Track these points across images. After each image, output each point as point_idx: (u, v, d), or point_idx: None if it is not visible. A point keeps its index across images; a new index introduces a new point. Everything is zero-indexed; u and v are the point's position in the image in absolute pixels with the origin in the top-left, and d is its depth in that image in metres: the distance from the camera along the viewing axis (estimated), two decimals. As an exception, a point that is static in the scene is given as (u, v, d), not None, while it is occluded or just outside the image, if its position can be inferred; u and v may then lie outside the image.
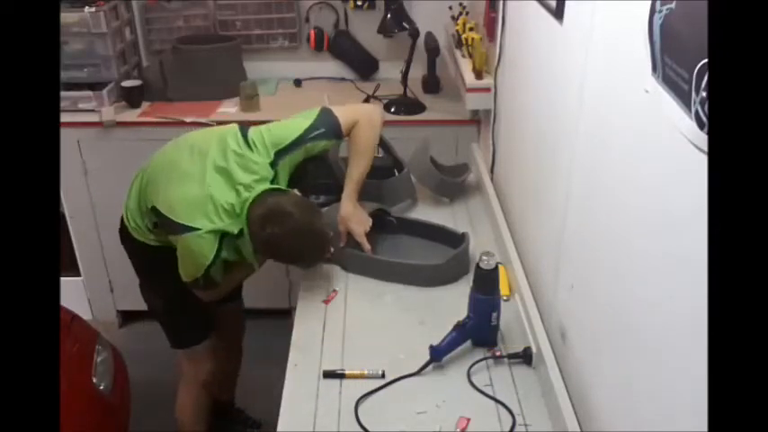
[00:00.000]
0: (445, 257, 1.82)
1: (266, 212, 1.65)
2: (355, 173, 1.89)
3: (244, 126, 1.82)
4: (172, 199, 1.72)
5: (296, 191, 1.80)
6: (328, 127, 1.83)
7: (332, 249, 1.82)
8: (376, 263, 1.85)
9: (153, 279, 1.98)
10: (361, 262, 1.87)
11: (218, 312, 2.16)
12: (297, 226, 1.65)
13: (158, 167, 1.81)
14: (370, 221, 1.90)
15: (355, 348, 1.59)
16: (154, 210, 1.76)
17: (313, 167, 1.92)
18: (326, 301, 1.76)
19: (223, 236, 1.70)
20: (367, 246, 1.87)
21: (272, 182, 1.75)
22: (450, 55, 2.74)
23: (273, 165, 1.76)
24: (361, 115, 1.88)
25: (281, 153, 1.77)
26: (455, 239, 1.89)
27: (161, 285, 1.94)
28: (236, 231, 1.70)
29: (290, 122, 1.84)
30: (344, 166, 2.09)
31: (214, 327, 2.06)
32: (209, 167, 1.73)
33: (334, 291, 1.80)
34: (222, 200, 1.69)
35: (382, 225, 2.00)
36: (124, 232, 1.93)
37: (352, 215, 1.88)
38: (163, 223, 1.75)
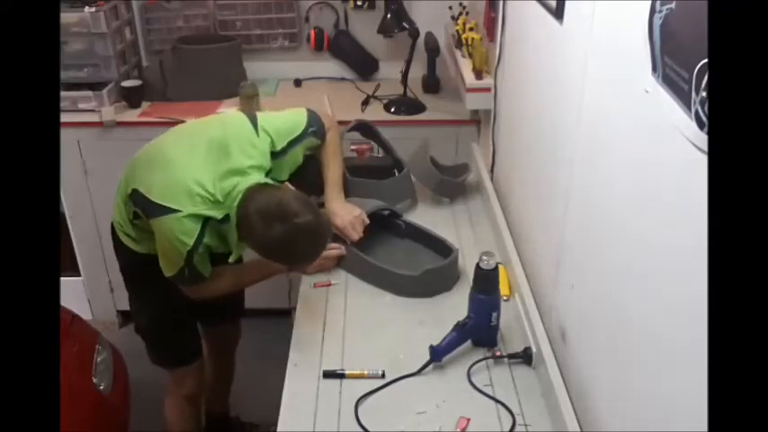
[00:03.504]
0: (426, 269, 1.76)
1: (269, 209, 1.54)
2: (337, 174, 1.92)
3: (251, 114, 1.78)
4: (153, 181, 1.64)
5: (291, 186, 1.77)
6: (318, 126, 1.85)
7: (344, 250, 1.84)
8: (359, 261, 1.83)
9: (140, 291, 1.93)
10: (349, 259, 1.86)
11: (212, 332, 2.17)
12: (305, 225, 1.54)
13: (144, 154, 1.76)
14: (361, 213, 1.87)
15: (355, 348, 1.59)
16: (134, 193, 1.66)
17: (313, 166, 1.93)
18: (317, 285, 1.81)
19: (206, 221, 1.60)
20: (354, 237, 1.85)
21: (268, 174, 1.69)
22: (451, 55, 2.74)
23: (281, 154, 1.74)
24: (329, 118, 1.93)
25: (293, 143, 1.77)
26: (447, 251, 1.84)
27: (149, 299, 1.90)
28: (219, 217, 1.61)
29: (290, 116, 1.83)
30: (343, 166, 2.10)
31: (201, 351, 2.04)
32: (203, 144, 1.66)
33: (330, 282, 1.82)
34: (208, 182, 1.60)
35: (388, 226, 1.99)
36: (115, 238, 1.88)
37: (345, 211, 1.87)
38: (143, 207, 1.64)
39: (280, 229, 1.52)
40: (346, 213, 1.86)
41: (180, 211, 1.58)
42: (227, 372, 2.33)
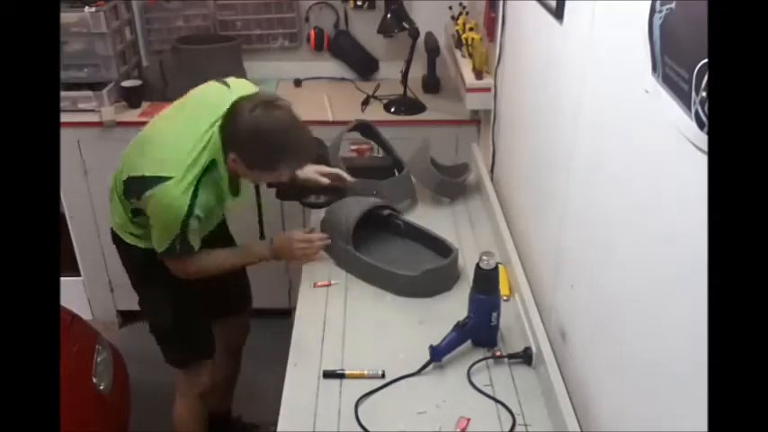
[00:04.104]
0: (426, 269, 1.76)
1: (256, 101, 1.59)
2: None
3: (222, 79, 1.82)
4: (141, 161, 1.66)
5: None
6: None
7: (328, 240, 1.86)
8: (359, 261, 1.83)
9: (154, 288, 1.91)
10: (346, 258, 1.86)
11: (222, 324, 2.16)
12: (287, 115, 1.61)
13: (129, 147, 1.78)
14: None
15: (355, 348, 1.59)
16: (127, 182, 1.68)
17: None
18: (317, 285, 1.80)
19: (199, 180, 1.62)
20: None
21: None
22: (451, 55, 2.74)
23: None
24: None
25: None
26: (447, 251, 1.85)
27: (165, 295, 1.89)
28: (206, 163, 1.63)
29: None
30: (343, 165, 2.10)
31: (215, 346, 2.03)
32: (181, 115, 1.72)
33: (329, 282, 1.81)
34: (191, 142, 1.63)
35: (388, 226, 1.99)
36: (119, 242, 1.88)
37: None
38: (136, 190, 1.65)
39: (262, 110, 1.57)
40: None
41: (171, 177, 1.60)
42: (233, 371, 2.33)
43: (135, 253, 1.85)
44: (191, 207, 1.61)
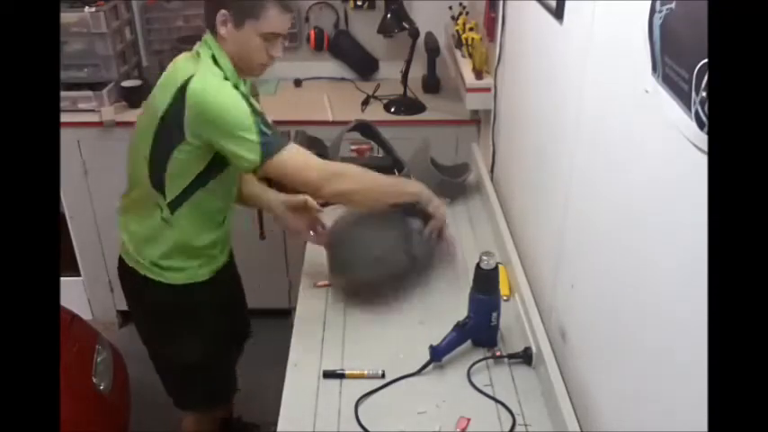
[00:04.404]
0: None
1: None
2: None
3: None
4: (145, 139, 1.57)
5: None
6: None
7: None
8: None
9: (184, 327, 1.78)
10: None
11: None
12: None
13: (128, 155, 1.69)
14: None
15: (355, 348, 1.59)
16: (150, 165, 1.57)
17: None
18: (317, 285, 1.79)
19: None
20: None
21: None
22: (451, 55, 2.74)
23: None
24: None
25: None
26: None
27: (195, 334, 1.76)
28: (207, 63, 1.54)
29: None
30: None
31: (236, 388, 1.96)
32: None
33: (329, 283, 1.81)
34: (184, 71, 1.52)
35: None
36: (138, 280, 1.72)
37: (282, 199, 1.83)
38: (162, 152, 1.54)
39: None
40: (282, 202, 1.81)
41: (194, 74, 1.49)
42: None
43: (164, 292, 1.71)
44: (235, 85, 1.50)
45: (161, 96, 1.55)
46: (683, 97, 0.83)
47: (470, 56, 2.39)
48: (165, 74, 1.61)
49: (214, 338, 1.82)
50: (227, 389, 1.95)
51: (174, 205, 1.65)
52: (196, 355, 1.80)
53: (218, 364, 1.89)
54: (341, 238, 1.74)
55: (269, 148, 1.45)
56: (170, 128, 1.51)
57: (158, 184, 1.62)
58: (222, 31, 1.56)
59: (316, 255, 1.97)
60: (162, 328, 1.81)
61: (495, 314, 1.55)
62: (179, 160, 1.56)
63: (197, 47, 1.60)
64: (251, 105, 1.47)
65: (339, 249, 1.73)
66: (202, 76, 1.48)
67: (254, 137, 1.44)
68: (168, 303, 1.77)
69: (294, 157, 1.50)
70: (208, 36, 1.60)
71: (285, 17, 1.56)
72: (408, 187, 1.63)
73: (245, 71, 1.63)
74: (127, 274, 1.75)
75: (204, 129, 1.47)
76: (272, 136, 1.46)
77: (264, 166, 1.48)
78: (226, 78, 1.53)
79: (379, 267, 1.68)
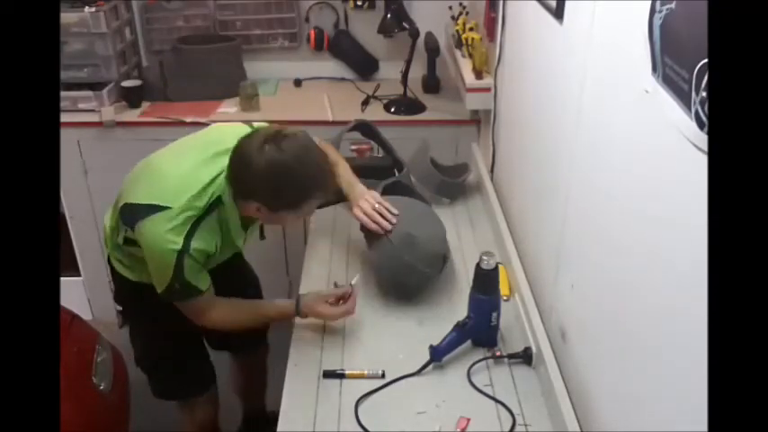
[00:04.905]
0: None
1: (261, 138, 1.41)
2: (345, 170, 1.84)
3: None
4: (140, 188, 1.54)
5: None
6: None
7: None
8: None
9: (138, 321, 1.86)
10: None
11: (238, 360, 2.13)
12: (299, 143, 1.42)
13: (132, 173, 1.65)
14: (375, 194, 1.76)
15: (355, 348, 1.59)
16: (123, 209, 1.55)
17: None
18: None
19: (198, 220, 1.48)
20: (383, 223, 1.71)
21: None
22: (451, 55, 2.74)
23: None
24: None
25: None
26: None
27: (148, 328, 1.83)
28: (210, 201, 1.49)
29: None
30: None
31: (213, 380, 1.97)
32: (195, 147, 1.58)
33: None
34: (198, 179, 1.49)
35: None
36: (111, 267, 1.79)
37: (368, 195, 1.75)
38: (130, 218, 1.52)
39: (272, 148, 1.38)
40: (369, 197, 1.71)
41: (168, 208, 1.46)
42: (260, 376, 2.28)
43: (121, 281, 1.77)
44: (185, 244, 1.46)
45: (196, 160, 1.54)
46: (683, 97, 0.83)
47: (470, 56, 2.39)
48: (214, 135, 1.63)
49: (166, 335, 1.80)
50: (189, 389, 1.94)
51: (128, 243, 1.63)
52: (145, 350, 1.87)
53: (173, 362, 1.87)
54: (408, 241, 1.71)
55: (168, 296, 1.56)
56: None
57: (122, 221, 1.59)
58: (254, 213, 1.52)
59: (316, 254, 1.97)
60: (123, 316, 1.92)
61: (495, 314, 1.55)
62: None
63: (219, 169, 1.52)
64: (180, 262, 1.48)
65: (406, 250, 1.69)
66: (174, 214, 1.46)
67: (163, 284, 1.53)
68: (121, 290, 1.82)
69: (187, 309, 1.62)
70: (227, 193, 1.51)
71: (320, 199, 1.53)
72: (285, 309, 1.67)
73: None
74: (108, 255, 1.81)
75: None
76: (179, 291, 1.53)
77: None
78: (207, 212, 1.50)
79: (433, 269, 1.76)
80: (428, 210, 1.89)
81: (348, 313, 1.62)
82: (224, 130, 1.63)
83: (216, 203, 1.51)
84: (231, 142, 1.48)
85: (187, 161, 1.55)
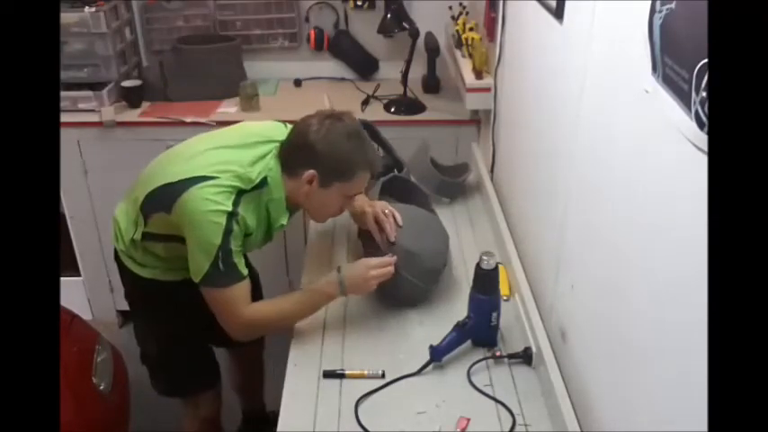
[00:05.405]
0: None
1: (322, 116, 1.54)
2: None
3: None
4: (174, 170, 1.53)
5: None
6: None
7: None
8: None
9: (146, 318, 1.85)
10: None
11: (235, 354, 2.13)
12: (354, 122, 1.57)
13: (156, 162, 1.66)
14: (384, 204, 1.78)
15: (355, 348, 1.59)
16: (149, 197, 1.54)
17: None
18: None
19: (240, 193, 1.49)
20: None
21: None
22: (451, 55, 2.74)
23: None
24: None
25: None
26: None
27: (156, 325, 1.82)
28: (256, 181, 1.51)
29: None
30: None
31: (218, 376, 1.97)
32: (234, 136, 1.63)
33: None
34: (238, 162, 1.52)
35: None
36: (119, 265, 1.78)
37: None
38: (163, 200, 1.51)
39: (332, 121, 1.52)
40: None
41: (213, 178, 1.47)
42: (257, 367, 2.30)
43: (131, 279, 1.75)
44: (231, 215, 1.46)
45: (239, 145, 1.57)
46: (683, 97, 0.83)
47: (470, 56, 2.39)
48: (251, 126, 1.69)
49: (174, 332, 1.80)
50: (195, 385, 1.94)
51: (147, 238, 1.63)
52: (152, 347, 1.86)
53: (178, 359, 1.86)
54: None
55: (209, 279, 1.50)
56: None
57: (146, 211, 1.58)
58: (305, 188, 1.55)
59: (316, 254, 1.97)
60: (131, 313, 1.89)
61: (495, 314, 1.55)
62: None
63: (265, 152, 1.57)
64: (229, 229, 1.47)
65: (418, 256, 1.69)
66: (219, 183, 1.47)
67: (206, 263, 1.48)
68: (131, 288, 1.81)
69: (227, 299, 1.54)
70: (274, 169, 1.55)
71: (368, 178, 1.62)
72: (326, 289, 1.62)
73: (308, 213, 1.70)
74: (115, 252, 1.78)
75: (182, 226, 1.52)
76: (223, 273, 1.49)
77: (201, 287, 1.53)
78: (254, 189, 1.52)
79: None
80: (432, 220, 1.87)
81: (390, 273, 1.62)
82: (258, 125, 1.70)
83: (262, 183, 1.54)
84: (269, 133, 1.61)
85: (226, 145, 1.58)
